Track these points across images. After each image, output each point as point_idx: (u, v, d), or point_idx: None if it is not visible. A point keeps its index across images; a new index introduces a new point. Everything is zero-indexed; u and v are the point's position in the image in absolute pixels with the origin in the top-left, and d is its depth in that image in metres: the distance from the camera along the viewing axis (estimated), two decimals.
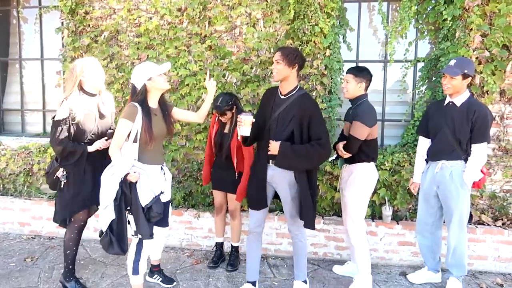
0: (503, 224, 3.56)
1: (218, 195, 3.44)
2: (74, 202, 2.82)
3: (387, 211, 3.58)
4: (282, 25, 3.83)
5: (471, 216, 3.65)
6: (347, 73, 2.96)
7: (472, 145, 2.87)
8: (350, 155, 2.88)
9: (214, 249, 3.61)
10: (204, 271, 3.41)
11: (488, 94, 3.56)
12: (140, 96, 2.59)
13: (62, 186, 2.81)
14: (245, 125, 2.59)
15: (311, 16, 3.61)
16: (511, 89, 3.54)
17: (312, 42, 3.70)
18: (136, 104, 2.57)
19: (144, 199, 2.56)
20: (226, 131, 3.26)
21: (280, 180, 2.73)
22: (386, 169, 3.70)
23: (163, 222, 2.81)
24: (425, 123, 3.13)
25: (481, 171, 2.93)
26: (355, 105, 2.94)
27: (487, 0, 3.45)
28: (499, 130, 3.64)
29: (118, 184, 2.52)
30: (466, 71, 2.83)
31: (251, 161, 3.01)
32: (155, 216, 2.57)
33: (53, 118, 2.76)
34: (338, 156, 3.08)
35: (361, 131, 2.79)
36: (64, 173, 2.79)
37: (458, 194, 2.91)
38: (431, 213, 3.13)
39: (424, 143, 3.15)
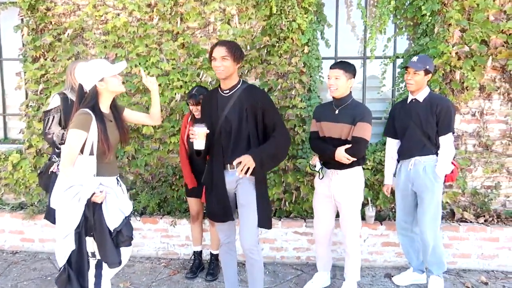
0: (485, 220, 3.54)
1: (194, 203, 3.26)
2: None
3: (370, 211, 3.49)
4: (258, 21, 3.68)
5: (453, 213, 3.62)
6: (334, 68, 2.76)
7: (439, 138, 2.89)
8: (356, 159, 2.71)
9: (192, 258, 3.43)
10: (182, 282, 3.22)
11: (468, 89, 3.53)
12: (91, 101, 2.25)
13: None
14: (199, 137, 2.33)
15: (288, 12, 3.47)
16: (490, 85, 3.52)
17: (290, 38, 3.56)
18: (88, 110, 2.23)
19: (113, 222, 2.27)
20: None
21: (245, 182, 2.48)
22: (368, 169, 3.61)
23: None
24: (392, 123, 3.12)
25: (452, 163, 2.94)
26: (344, 105, 2.79)
27: None
28: (479, 126, 3.62)
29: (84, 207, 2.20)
30: (427, 67, 2.89)
31: None
32: (126, 240, 2.29)
33: (44, 110, 2.86)
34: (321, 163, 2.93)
35: (369, 132, 2.70)
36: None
37: (432, 187, 2.89)
38: (409, 212, 3.09)
39: (392, 144, 3.15)
